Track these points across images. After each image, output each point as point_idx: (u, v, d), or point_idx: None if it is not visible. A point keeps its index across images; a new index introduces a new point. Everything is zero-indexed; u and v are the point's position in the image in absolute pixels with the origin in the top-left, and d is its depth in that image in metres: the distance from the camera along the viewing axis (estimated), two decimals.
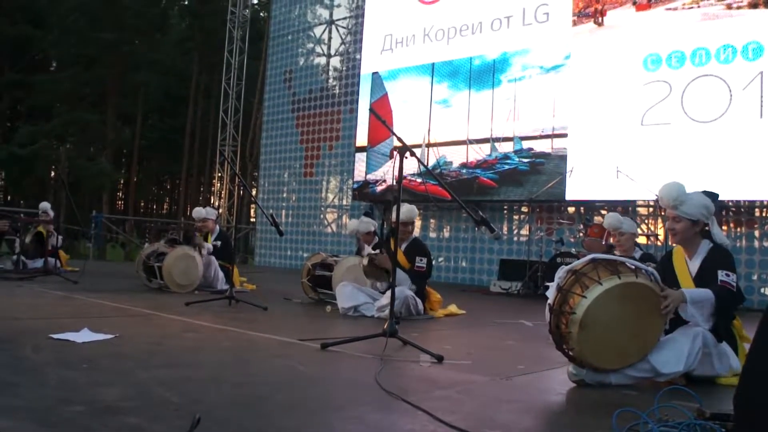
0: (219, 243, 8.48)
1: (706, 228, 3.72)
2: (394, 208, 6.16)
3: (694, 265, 3.70)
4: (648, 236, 10.38)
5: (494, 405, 2.90)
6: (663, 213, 9.33)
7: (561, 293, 3.31)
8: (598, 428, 2.33)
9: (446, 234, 13.54)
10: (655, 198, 9.02)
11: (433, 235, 13.63)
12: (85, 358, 3.41)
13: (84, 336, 4.00)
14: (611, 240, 6.27)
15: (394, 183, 3.72)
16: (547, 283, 3.49)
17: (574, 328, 3.18)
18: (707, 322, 3.44)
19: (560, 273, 3.42)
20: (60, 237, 10.18)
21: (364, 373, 3.39)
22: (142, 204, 46.02)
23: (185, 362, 3.55)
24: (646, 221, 10.79)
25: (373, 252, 6.42)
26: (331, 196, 16.15)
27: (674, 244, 3.89)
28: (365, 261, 6.22)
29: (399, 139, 4.24)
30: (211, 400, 2.69)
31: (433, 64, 12.92)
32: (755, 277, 9.73)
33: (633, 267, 3.32)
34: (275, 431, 2.31)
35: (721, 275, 3.50)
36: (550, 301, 3.36)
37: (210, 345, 4.23)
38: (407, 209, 6.25)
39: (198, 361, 3.63)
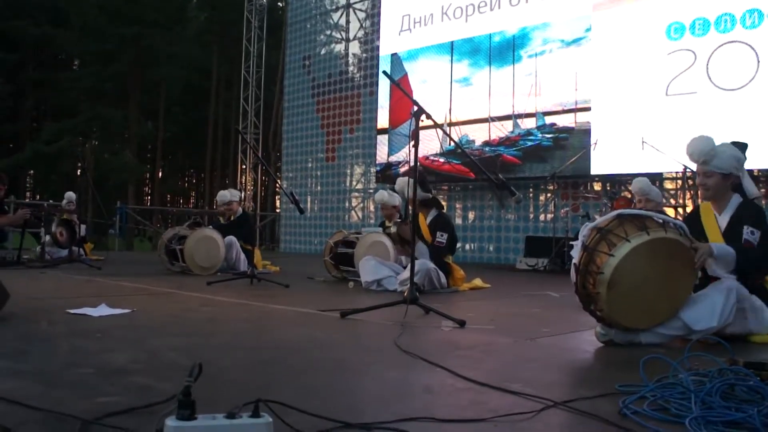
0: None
1: (737, 181, 3.57)
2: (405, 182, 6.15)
3: (724, 220, 3.54)
4: (675, 208, 10.13)
5: (517, 363, 2.80)
6: (691, 183, 9.10)
7: (587, 252, 3.17)
8: (627, 381, 2.21)
9: (471, 216, 13.36)
10: (683, 169, 8.87)
11: (459, 221, 13.43)
12: (100, 329, 3.35)
13: (101, 311, 3.95)
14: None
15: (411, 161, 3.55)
16: (572, 242, 3.36)
17: (603, 288, 3.04)
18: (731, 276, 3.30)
19: (584, 231, 3.27)
20: (83, 226, 10.19)
21: (383, 338, 3.30)
22: (169, 197, 46.33)
23: (200, 331, 3.49)
24: (675, 195, 10.56)
25: (399, 220, 6.37)
26: (354, 181, 16.03)
27: (702, 201, 3.73)
28: (393, 228, 6.22)
29: (415, 103, 4.11)
30: (223, 363, 2.61)
31: (452, 43, 12.73)
32: None
33: (661, 221, 3.16)
34: (285, 390, 2.22)
35: (746, 233, 3.35)
36: (575, 260, 3.23)
37: (228, 317, 4.17)
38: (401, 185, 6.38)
39: (214, 331, 3.56)
